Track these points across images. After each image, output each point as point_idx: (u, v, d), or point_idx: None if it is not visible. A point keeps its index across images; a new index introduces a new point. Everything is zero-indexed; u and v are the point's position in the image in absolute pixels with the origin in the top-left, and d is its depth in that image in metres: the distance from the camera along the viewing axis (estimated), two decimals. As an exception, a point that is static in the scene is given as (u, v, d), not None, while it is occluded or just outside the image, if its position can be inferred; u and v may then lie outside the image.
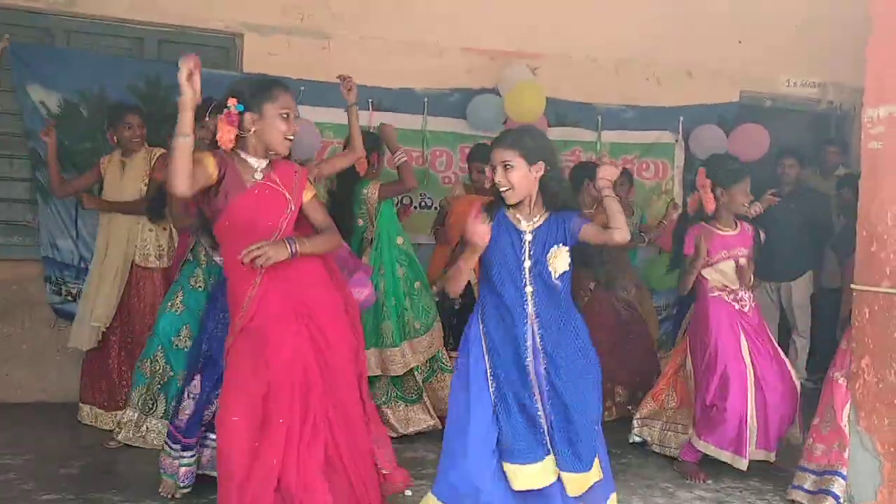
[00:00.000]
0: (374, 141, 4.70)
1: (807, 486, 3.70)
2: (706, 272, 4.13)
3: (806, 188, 6.16)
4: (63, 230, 5.05)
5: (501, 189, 2.92)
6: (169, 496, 3.58)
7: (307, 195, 2.98)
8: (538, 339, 2.89)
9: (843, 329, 4.43)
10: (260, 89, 2.82)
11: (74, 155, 4.96)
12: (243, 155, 2.86)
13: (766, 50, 6.40)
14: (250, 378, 2.80)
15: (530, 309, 2.90)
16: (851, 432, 2.39)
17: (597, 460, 2.95)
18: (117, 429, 4.28)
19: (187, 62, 2.50)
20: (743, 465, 3.98)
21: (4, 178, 5.11)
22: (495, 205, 3.01)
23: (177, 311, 4.14)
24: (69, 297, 5.06)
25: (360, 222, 4.69)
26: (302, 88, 5.12)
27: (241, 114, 2.78)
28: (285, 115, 2.84)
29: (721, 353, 4.06)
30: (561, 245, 2.91)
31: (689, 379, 4.36)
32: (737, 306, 4.14)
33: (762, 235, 4.24)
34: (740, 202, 4.08)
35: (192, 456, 3.59)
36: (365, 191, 4.60)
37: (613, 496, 3.04)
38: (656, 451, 4.52)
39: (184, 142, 2.55)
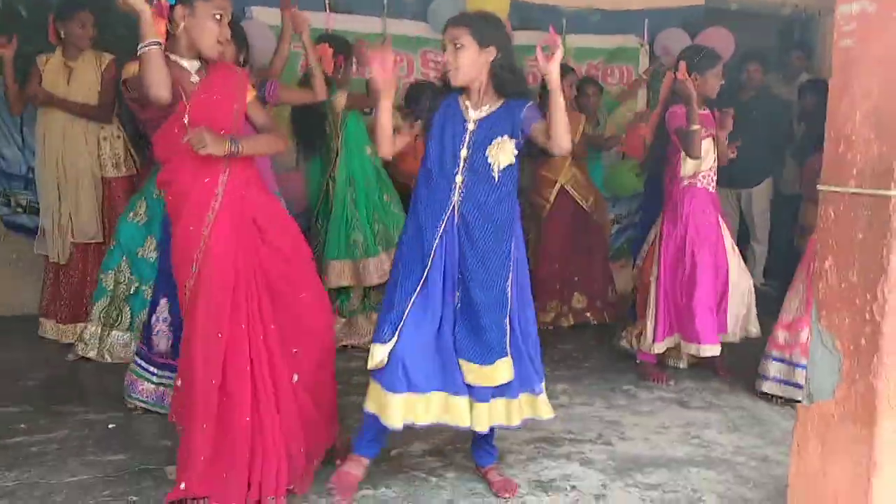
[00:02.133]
0: (343, 44, 4.52)
1: (772, 373, 3.94)
2: (684, 159, 4.12)
3: (768, 94, 6.14)
4: (8, 138, 4.83)
5: (447, 69, 2.81)
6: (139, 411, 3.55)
7: (249, 96, 2.84)
8: (457, 231, 2.78)
9: (802, 236, 4.50)
10: None
11: (14, 60, 4.70)
12: (174, 58, 2.68)
13: (733, -49, 6.27)
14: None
15: (455, 199, 2.77)
16: (812, 331, 2.42)
17: (506, 362, 2.80)
18: (78, 342, 4.22)
19: None
20: (713, 350, 4.08)
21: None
22: (446, 90, 2.88)
23: (140, 220, 4.04)
24: (19, 209, 4.89)
25: (326, 130, 4.56)
26: (255, -12, 4.90)
27: (171, 7, 2.61)
28: (218, 17, 2.66)
29: (690, 243, 4.11)
30: (506, 137, 2.77)
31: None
32: (710, 188, 4.20)
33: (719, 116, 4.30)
34: (712, 85, 4.13)
35: (167, 376, 3.51)
36: (332, 97, 4.44)
37: (534, 397, 2.92)
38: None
39: (156, 49, 2.46)
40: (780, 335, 3.98)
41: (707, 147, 4.09)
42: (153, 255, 3.97)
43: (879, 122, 2.17)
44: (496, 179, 2.77)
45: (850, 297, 2.30)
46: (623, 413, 3.81)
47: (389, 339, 2.72)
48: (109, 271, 4.10)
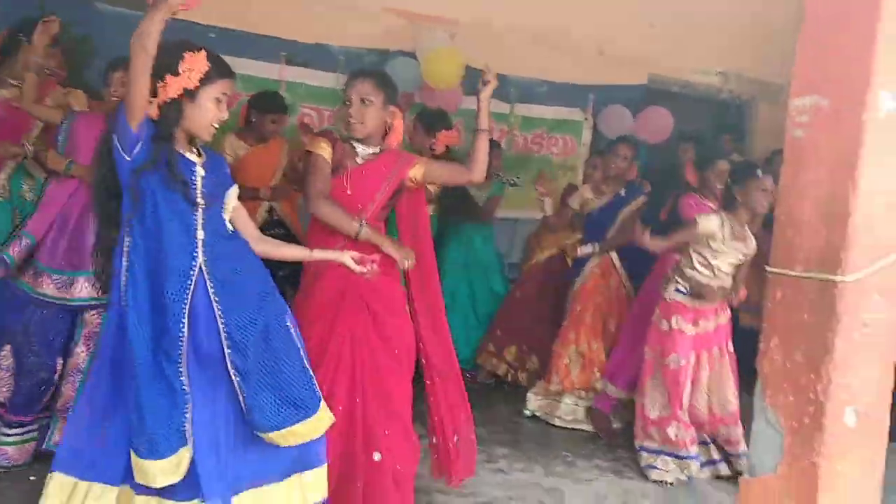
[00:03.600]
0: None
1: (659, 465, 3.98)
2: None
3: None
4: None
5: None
6: None
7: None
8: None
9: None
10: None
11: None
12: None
13: (675, 38, 6.55)
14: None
15: None
16: (756, 408, 2.48)
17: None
18: None
19: None
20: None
21: None
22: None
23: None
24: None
25: None
26: (211, 35, 4.88)
27: None
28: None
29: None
30: None
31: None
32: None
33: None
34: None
35: (24, 433, 3.36)
36: None
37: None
38: (549, 422, 4.65)
39: None
40: (654, 431, 4.01)
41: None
42: None
43: (828, 210, 2.28)
44: None
45: (795, 376, 2.38)
46: (563, 480, 3.81)
47: None
48: None
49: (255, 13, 5.12)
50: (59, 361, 3.37)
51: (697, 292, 3.88)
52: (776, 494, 2.37)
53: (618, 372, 4.47)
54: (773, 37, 5.20)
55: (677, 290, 3.93)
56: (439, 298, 3.20)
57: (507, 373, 5.30)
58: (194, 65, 2.32)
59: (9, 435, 3.33)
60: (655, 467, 3.95)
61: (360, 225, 2.91)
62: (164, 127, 2.35)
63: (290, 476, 2.48)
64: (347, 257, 2.72)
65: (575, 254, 4.93)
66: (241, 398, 2.39)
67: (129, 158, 2.30)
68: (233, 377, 2.38)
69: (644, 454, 4.02)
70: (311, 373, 2.53)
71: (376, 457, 2.85)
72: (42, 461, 3.27)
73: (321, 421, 2.49)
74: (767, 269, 2.50)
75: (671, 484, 3.86)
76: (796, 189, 2.40)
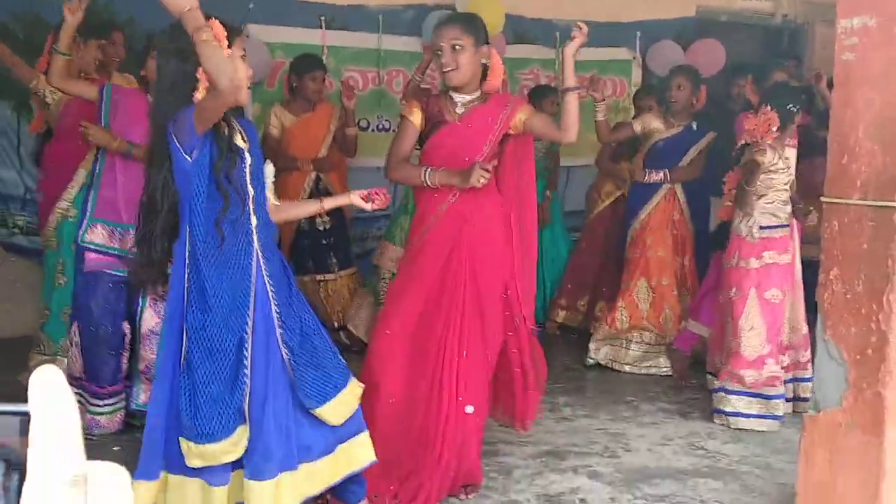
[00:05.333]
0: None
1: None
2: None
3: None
4: (5, 160, 4.82)
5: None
6: None
7: None
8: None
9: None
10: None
11: (7, 82, 4.66)
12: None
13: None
14: (406, 294, 2.91)
15: None
16: (818, 341, 2.44)
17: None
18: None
19: None
20: None
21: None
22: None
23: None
24: (16, 230, 4.87)
25: None
26: (251, 6, 4.91)
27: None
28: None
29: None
30: None
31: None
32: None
33: None
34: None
35: (114, 402, 3.54)
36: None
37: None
38: (616, 368, 4.63)
39: None
40: (747, 372, 3.81)
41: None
42: (63, 282, 3.85)
43: (883, 133, 2.20)
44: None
45: (856, 307, 2.32)
46: (627, 425, 3.82)
47: None
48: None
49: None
50: (126, 327, 3.52)
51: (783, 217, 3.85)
52: (842, 428, 2.34)
53: (701, 308, 4.36)
54: (826, -46, 4.97)
55: (762, 226, 3.82)
56: (534, 249, 3.17)
57: (583, 322, 5.29)
58: (219, 35, 2.27)
59: (99, 406, 3.52)
60: (741, 413, 3.79)
61: (425, 173, 2.88)
62: (220, 124, 2.33)
63: (335, 449, 2.53)
64: (356, 196, 2.70)
65: (641, 179, 4.73)
66: (291, 376, 2.45)
67: (190, 159, 2.30)
68: (284, 356, 2.44)
69: (726, 396, 3.82)
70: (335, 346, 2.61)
71: (469, 409, 2.88)
72: (128, 431, 3.49)
73: (354, 393, 2.55)
74: (822, 198, 2.43)
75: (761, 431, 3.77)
76: (848, 114, 2.32)
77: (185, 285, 2.37)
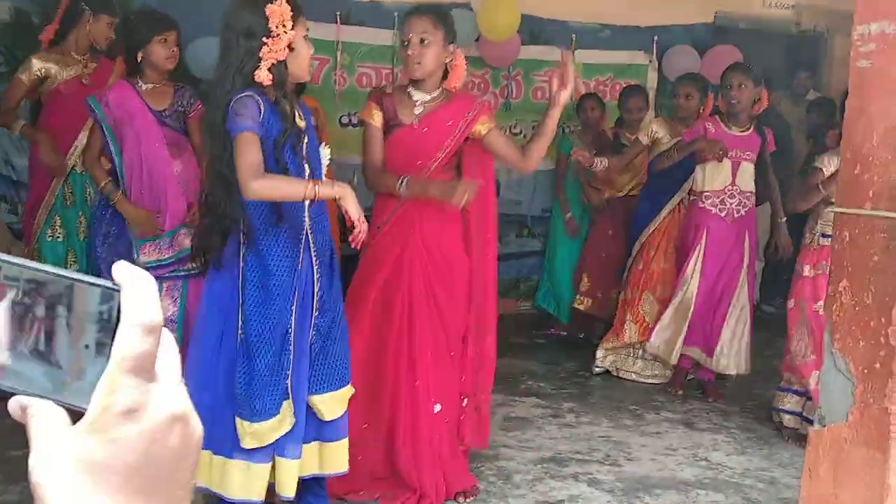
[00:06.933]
0: None
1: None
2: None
3: (774, 114, 6.10)
4: (19, 148, 4.82)
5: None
6: None
7: None
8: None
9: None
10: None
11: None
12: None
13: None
14: (364, 286, 2.87)
15: None
16: (825, 354, 2.39)
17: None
18: None
19: None
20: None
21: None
22: None
23: (58, 237, 3.91)
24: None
25: None
26: None
27: None
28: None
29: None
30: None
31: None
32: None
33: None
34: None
35: None
36: None
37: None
38: (622, 376, 4.58)
39: None
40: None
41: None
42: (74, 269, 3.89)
43: (897, 143, 2.15)
44: None
45: (865, 320, 2.27)
46: (630, 433, 3.77)
47: None
48: None
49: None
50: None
51: None
52: (848, 443, 2.29)
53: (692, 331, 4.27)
54: (848, -37, 4.89)
55: (824, 234, 3.74)
56: (492, 261, 3.04)
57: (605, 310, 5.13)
58: (282, 15, 2.23)
59: None
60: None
61: (400, 185, 2.75)
62: (282, 101, 2.29)
63: (311, 442, 2.50)
64: (351, 207, 2.45)
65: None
66: (310, 358, 2.45)
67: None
68: (311, 338, 2.44)
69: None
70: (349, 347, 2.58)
71: (437, 408, 2.85)
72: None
73: (348, 393, 2.54)
74: (834, 209, 2.38)
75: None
76: (863, 123, 2.27)
77: (241, 264, 2.37)
